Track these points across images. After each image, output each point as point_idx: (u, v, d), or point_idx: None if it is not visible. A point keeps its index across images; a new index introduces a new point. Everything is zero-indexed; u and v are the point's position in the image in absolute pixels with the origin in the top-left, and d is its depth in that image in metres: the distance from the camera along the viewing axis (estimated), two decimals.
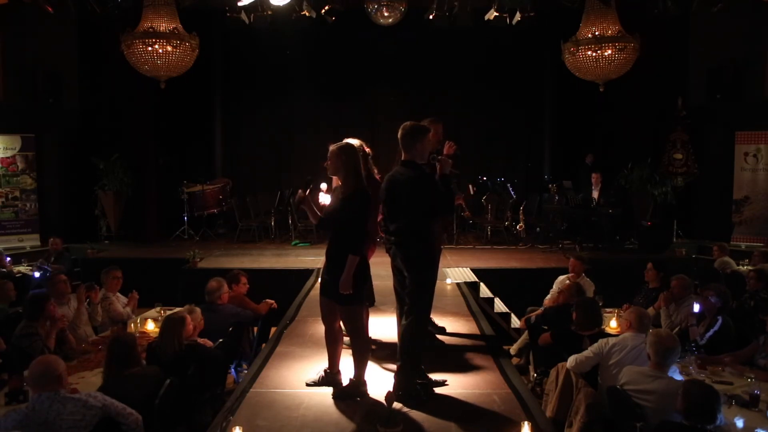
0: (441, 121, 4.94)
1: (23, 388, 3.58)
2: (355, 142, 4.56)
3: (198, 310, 4.74)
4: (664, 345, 3.47)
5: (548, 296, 6.32)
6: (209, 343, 4.64)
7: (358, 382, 3.97)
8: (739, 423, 3.27)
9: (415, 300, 3.94)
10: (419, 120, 4.32)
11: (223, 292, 5.30)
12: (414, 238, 3.93)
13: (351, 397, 3.92)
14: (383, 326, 5.60)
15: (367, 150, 4.84)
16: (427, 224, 3.95)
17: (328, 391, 4.13)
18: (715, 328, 4.61)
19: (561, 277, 6.40)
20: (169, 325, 4.18)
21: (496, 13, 8.32)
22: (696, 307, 4.90)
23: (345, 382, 4.04)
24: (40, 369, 3.19)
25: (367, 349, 4.09)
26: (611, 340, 4.00)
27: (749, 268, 7.10)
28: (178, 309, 4.90)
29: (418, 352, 4.02)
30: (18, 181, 9.76)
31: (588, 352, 4.00)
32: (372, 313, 5.89)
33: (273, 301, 5.85)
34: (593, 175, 9.67)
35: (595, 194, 9.55)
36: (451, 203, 4.12)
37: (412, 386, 3.89)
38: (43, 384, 3.15)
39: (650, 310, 5.46)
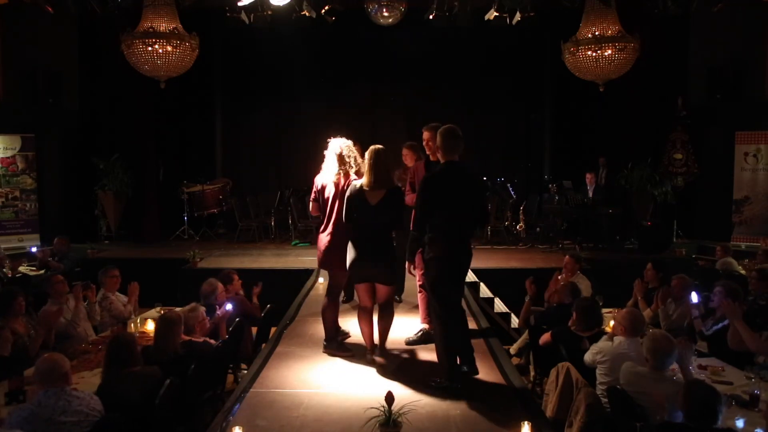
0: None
1: (23, 388, 3.58)
2: (343, 141, 4.82)
3: (201, 309, 4.73)
4: (661, 348, 3.47)
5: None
6: (211, 341, 4.65)
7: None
8: (739, 423, 3.27)
9: None
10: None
11: (219, 293, 5.28)
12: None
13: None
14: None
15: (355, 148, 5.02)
16: None
17: (328, 391, 4.15)
18: (725, 322, 4.54)
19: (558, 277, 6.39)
20: (165, 325, 4.14)
21: (496, 13, 8.30)
22: (694, 298, 4.89)
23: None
24: (48, 365, 3.21)
25: None
26: (607, 346, 4.00)
27: (754, 268, 7.05)
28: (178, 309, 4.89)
29: None
30: (18, 181, 9.76)
31: (596, 353, 4.02)
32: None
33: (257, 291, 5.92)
34: (587, 174, 9.67)
35: (591, 194, 9.57)
36: None
37: None
38: (50, 380, 3.17)
39: (648, 312, 5.46)
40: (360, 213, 4.46)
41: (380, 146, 4.58)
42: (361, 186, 4.46)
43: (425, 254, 4.21)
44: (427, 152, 5.04)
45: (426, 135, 5.00)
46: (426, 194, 4.14)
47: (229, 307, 5.04)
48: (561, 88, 11.08)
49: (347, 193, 4.53)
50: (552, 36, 9.11)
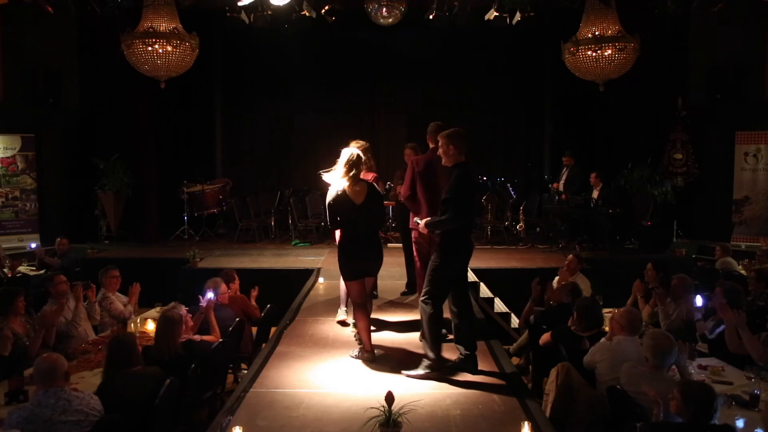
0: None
1: (23, 388, 3.58)
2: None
3: (181, 306, 4.74)
4: (661, 347, 3.47)
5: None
6: (209, 338, 4.65)
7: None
8: (740, 423, 3.27)
9: None
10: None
11: (222, 292, 5.29)
12: None
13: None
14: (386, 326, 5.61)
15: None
16: None
17: (328, 391, 4.15)
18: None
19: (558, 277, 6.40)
20: (165, 325, 4.14)
21: (496, 13, 8.32)
22: (699, 301, 4.88)
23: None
24: (47, 365, 3.21)
25: None
26: (605, 345, 4.00)
27: (753, 268, 7.04)
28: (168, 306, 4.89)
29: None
30: (18, 181, 9.76)
31: (594, 353, 4.03)
32: (376, 312, 5.94)
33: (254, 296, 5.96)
34: (591, 174, 9.64)
35: (595, 194, 9.53)
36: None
37: None
38: (50, 380, 3.17)
39: (647, 309, 5.46)
40: (349, 215, 4.56)
41: (353, 148, 4.69)
42: (343, 190, 4.54)
43: (442, 243, 4.39)
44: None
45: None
46: (468, 188, 4.43)
47: (210, 295, 5.01)
48: (561, 88, 11.07)
49: (327, 201, 4.60)
50: (552, 36, 9.10)
